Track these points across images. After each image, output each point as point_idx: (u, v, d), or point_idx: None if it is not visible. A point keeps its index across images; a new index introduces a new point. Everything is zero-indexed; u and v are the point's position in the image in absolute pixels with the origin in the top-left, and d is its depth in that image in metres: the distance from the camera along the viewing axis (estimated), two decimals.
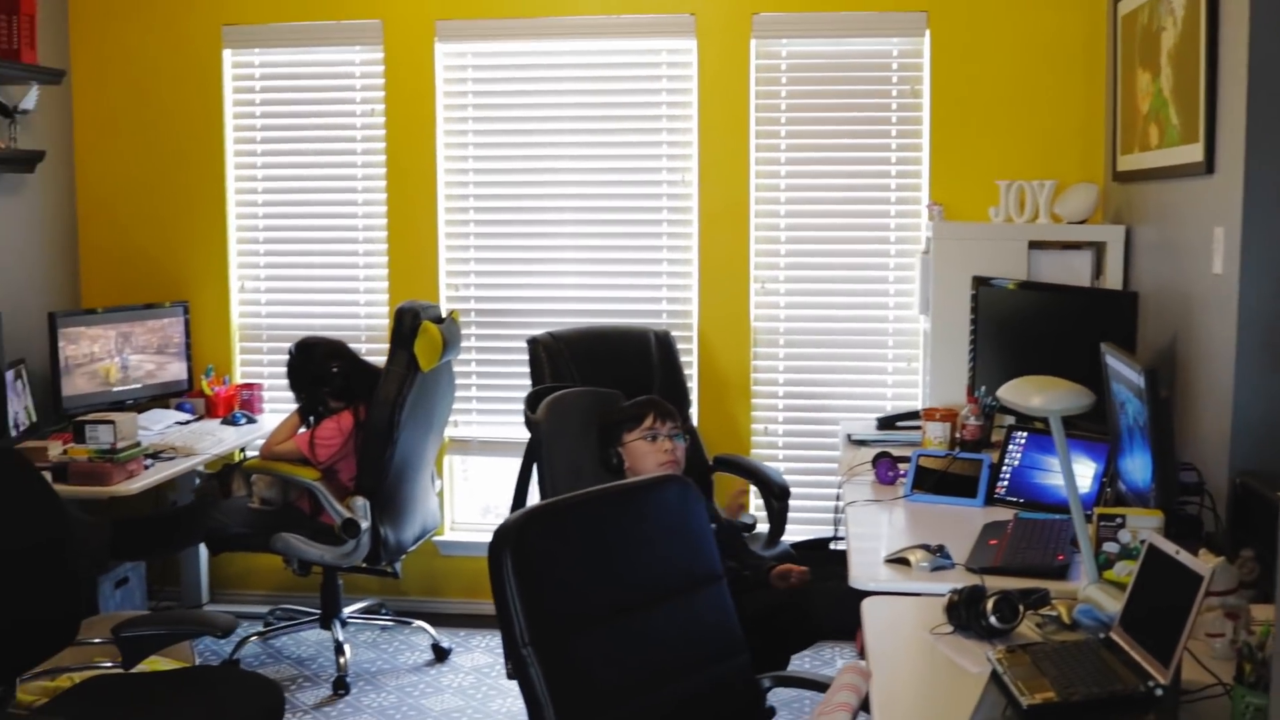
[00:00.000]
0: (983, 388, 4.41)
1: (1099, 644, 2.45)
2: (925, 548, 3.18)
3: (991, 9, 5.24)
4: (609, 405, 4.22)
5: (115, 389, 5.40)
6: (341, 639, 5.07)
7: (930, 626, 2.70)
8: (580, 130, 5.59)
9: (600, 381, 4.59)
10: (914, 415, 4.66)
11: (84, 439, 4.56)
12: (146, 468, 4.73)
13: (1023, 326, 4.47)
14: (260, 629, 5.39)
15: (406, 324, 4.84)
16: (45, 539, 3.33)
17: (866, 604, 2.89)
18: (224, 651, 5.20)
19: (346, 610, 5.33)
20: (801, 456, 5.55)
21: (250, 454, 5.40)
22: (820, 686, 2.78)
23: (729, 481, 5.16)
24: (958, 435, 4.32)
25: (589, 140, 5.58)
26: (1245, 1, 3.41)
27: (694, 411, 5.42)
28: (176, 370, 5.65)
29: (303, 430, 4.99)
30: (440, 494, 5.54)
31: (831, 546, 4.35)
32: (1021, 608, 2.64)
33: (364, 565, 4.97)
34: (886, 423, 4.76)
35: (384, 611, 5.58)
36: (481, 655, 5.27)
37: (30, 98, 5.27)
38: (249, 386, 5.70)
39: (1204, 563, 2.30)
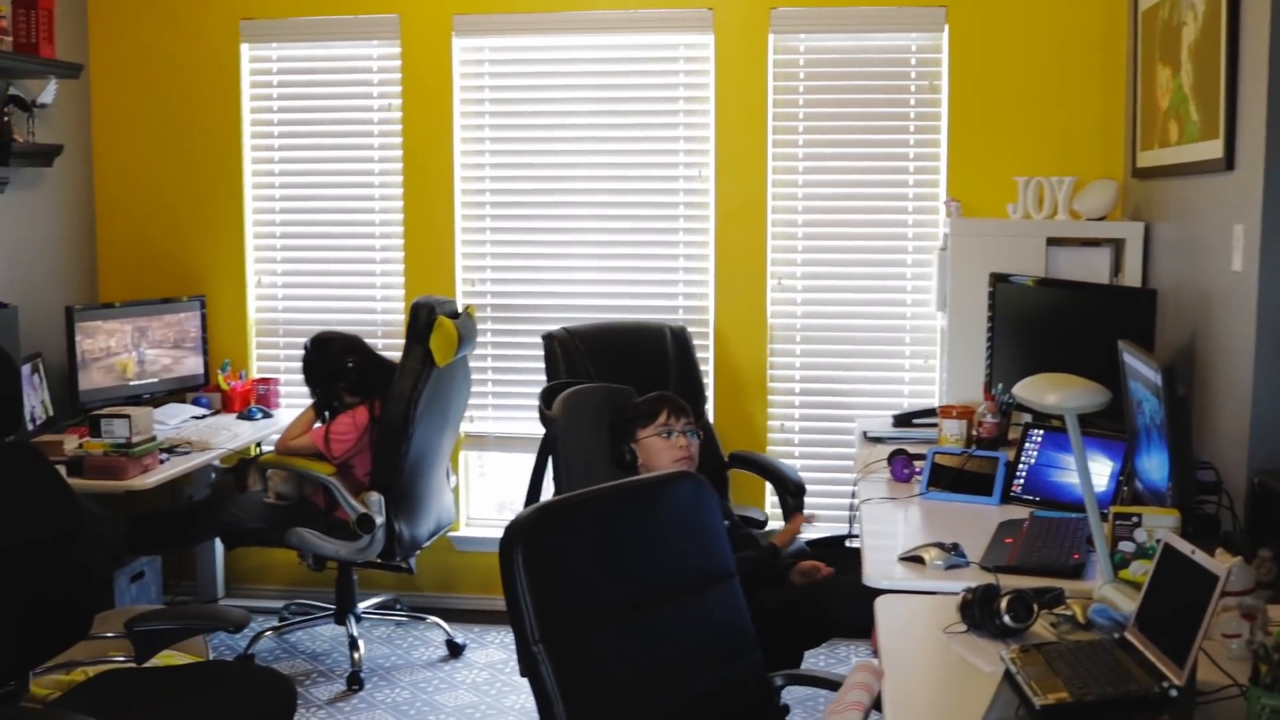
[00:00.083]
0: (1000, 385, 4.39)
1: (1114, 644, 2.43)
2: (940, 546, 3.16)
3: (1011, 4, 5.21)
4: (621, 401, 4.21)
5: (132, 383, 5.41)
6: (356, 634, 5.07)
7: (944, 625, 2.68)
8: (597, 125, 5.58)
9: (616, 377, 4.57)
10: (930, 412, 4.64)
11: (99, 433, 4.57)
12: (162, 462, 4.74)
13: (1041, 324, 4.44)
14: (275, 624, 5.39)
15: (422, 319, 4.84)
16: (59, 533, 3.33)
17: (880, 602, 2.87)
18: (239, 646, 5.20)
19: (361, 605, 5.33)
20: (818, 454, 5.53)
21: (266, 449, 5.40)
22: (833, 685, 2.76)
23: (745, 479, 5.15)
24: (974, 433, 4.29)
25: (606, 135, 5.57)
26: None
27: (710, 408, 5.40)
28: (193, 365, 5.66)
29: (318, 425, 4.99)
30: (455, 489, 5.54)
31: (847, 544, 4.33)
32: (1036, 607, 2.61)
33: (378, 560, 4.97)
34: (903, 420, 4.74)
35: (399, 607, 5.58)
36: (496, 651, 5.27)
37: (48, 92, 5.28)
38: (265, 381, 5.71)
39: (1220, 562, 2.27)
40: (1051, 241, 4.76)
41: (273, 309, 5.86)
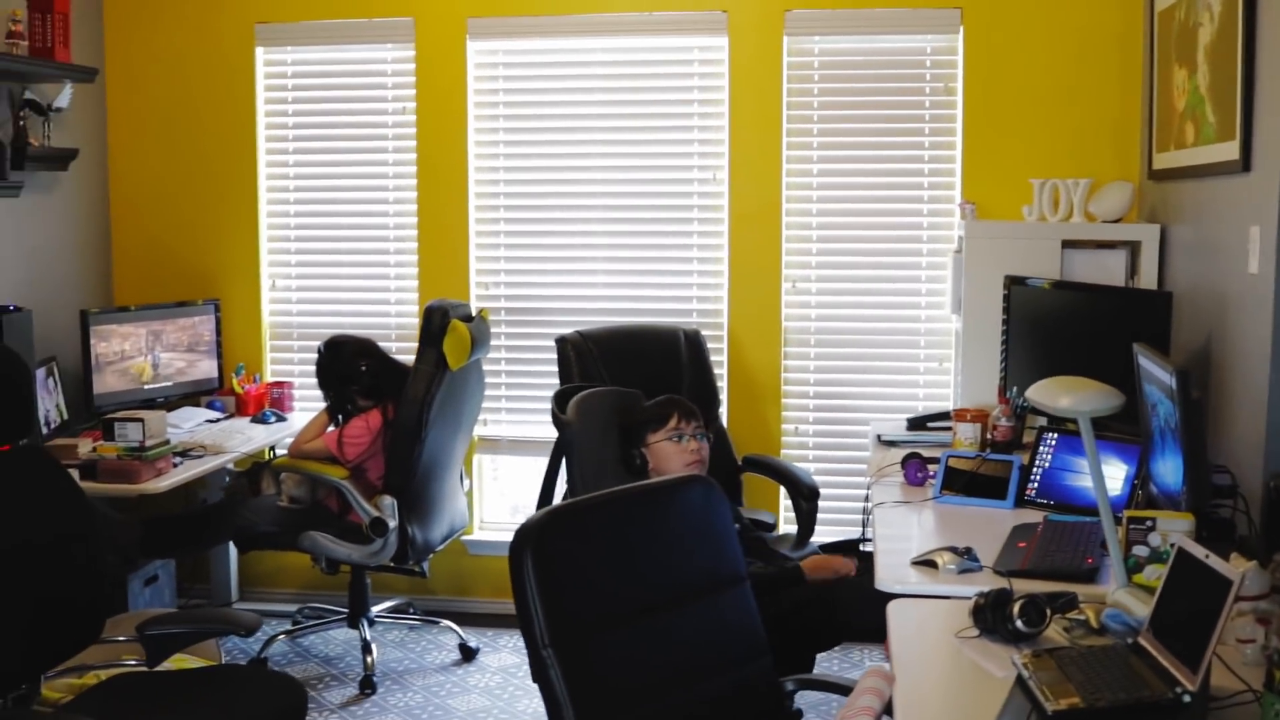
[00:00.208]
0: (1014, 388, 4.36)
1: (1127, 649, 2.41)
2: (953, 550, 3.14)
3: (1026, 5, 5.19)
4: (630, 405, 4.20)
5: (146, 387, 5.42)
6: (369, 638, 5.06)
7: (956, 630, 2.67)
8: (611, 128, 5.57)
9: (629, 381, 4.57)
10: (945, 416, 4.62)
11: (113, 437, 4.58)
12: (175, 466, 4.74)
13: (1056, 326, 4.42)
14: (288, 628, 5.39)
15: (435, 322, 4.83)
16: (70, 536, 3.33)
17: (892, 606, 2.86)
18: (252, 650, 5.20)
19: (374, 609, 5.33)
20: (832, 457, 5.51)
21: (280, 452, 5.41)
22: (845, 690, 2.74)
23: (758, 482, 5.14)
24: (989, 436, 4.27)
25: (620, 138, 5.56)
26: None
27: (724, 411, 5.39)
28: (207, 368, 5.67)
29: (331, 429, 4.99)
30: (469, 493, 5.53)
31: (861, 548, 4.31)
32: (1048, 611, 2.59)
33: (391, 564, 4.96)
34: (917, 423, 4.72)
35: (412, 611, 5.57)
36: (509, 655, 5.26)
37: (64, 96, 5.29)
38: (279, 385, 5.71)
39: (1235, 567, 2.25)
40: (1067, 244, 4.73)
41: (287, 312, 5.87)
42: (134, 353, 5.37)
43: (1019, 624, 2.57)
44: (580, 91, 5.58)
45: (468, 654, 5.27)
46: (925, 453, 4.12)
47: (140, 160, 5.85)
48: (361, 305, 5.80)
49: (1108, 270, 4.71)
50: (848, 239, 5.44)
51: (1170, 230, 4.58)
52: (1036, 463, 3.83)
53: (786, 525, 5.25)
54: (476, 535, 5.76)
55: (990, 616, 2.61)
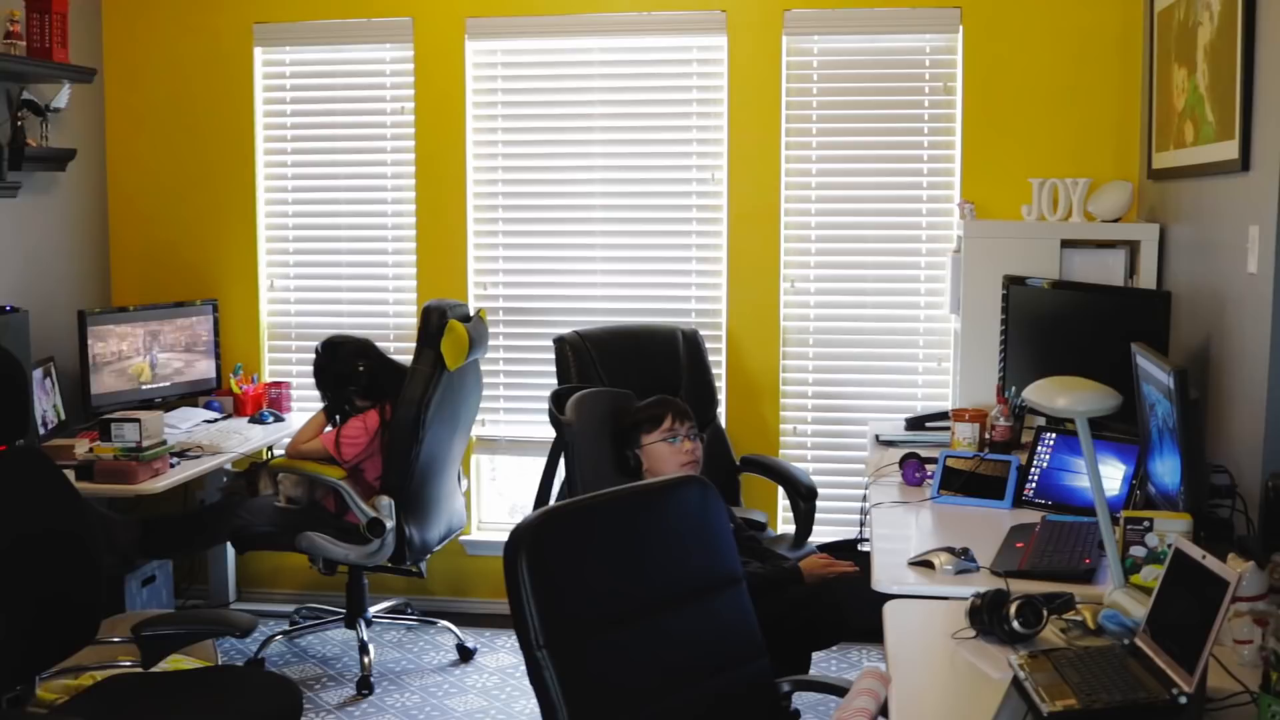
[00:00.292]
0: (1013, 388, 4.35)
1: (1124, 650, 2.40)
2: (950, 550, 3.13)
3: (1026, 5, 5.18)
4: (623, 406, 4.19)
5: (144, 387, 5.41)
6: (366, 638, 5.05)
7: (953, 630, 2.66)
8: (610, 128, 5.56)
9: (627, 381, 4.56)
10: (943, 416, 4.60)
11: (110, 437, 4.57)
12: (172, 466, 4.74)
13: (1054, 326, 4.41)
14: (286, 628, 5.39)
15: (433, 323, 4.82)
16: (64, 537, 3.32)
17: (889, 607, 2.85)
18: (249, 650, 5.20)
19: (372, 610, 5.31)
20: (830, 457, 5.50)
21: (277, 453, 5.40)
22: (841, 690, 2.73)
23: (757, 482, 5.13)
24: (987, 436, 4.26)
25: (618, 138, 5.55)
26: None
27: (722, 411, 5.38)
28: (205, 368, 5.66)
29: (329, 429, 4.98)
30: (467, 493, 5.52)
31: (860, 548, 4.30)
32: (1045, 612, 2.58)
33: (389, 565, 4.96)
34: (915, 423, 4.71)
35: (410, 611, 5.56)
36: (506, 655, 5.25)
37: (62, 96, 5.28)
38: (277, 385, 5.70)
39: (1232, 568, 2.24)
40: (1066, 244, 4.72)
41: (285, 312, 5.86)
42: (132, 353, 5.36)
43: (1015, 625, 2.56)
44: (579, 91, 5.57)
45: (465, 654, 5.26)
46: (923, 453, 4.11)
47: (138, 161, 5.85)
48: (359, 305, 5.80)
49: (1107, 270, 4.70)
50: (846, 239, 5.43)
51: (1169, 230, 4.57)
52: (1034, 463, 3.82)
53: (785, 525, 5.24)
54: (474, 535, 5.75)
55: (987, 617, 2.60)
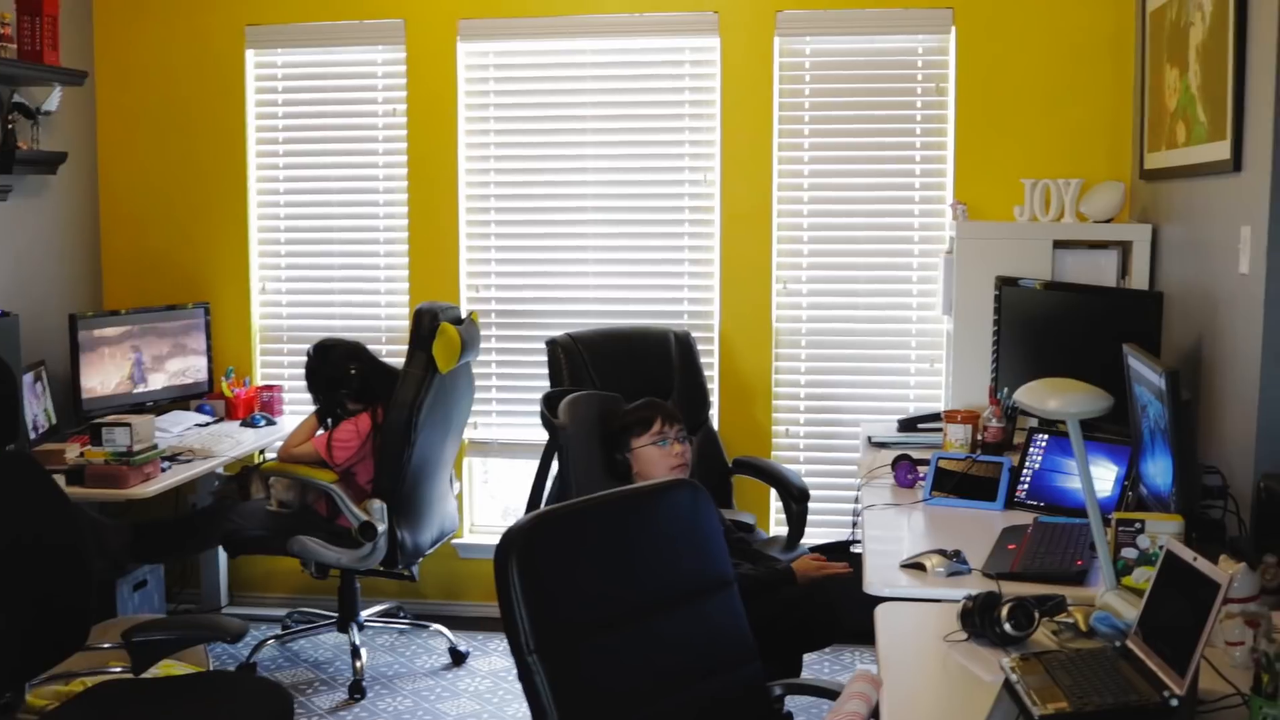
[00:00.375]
0: (1005, 389, 4.35)
1: (1115, 653, 2.39)
2: (941, 553, 3.12)
3: (1018, 6, 5.17)
4: (611, 409, 4.18)
5: (135, 391, 5.39)
6: (358, 642, 5.04)
7: (945, 633, 2.65)
8: (602, 129, 5.55)
9: (620, 383, 4.55)
10: (935, 417, 4.60)
11: (100, 442, 4.55)
12: (164, 470, 4.72)
13: (1046, 327, 4.41)
14: (278, 632, 5.37)
15: (425, 325, 4.81)
16: (54, 543, 3.31)
17: (880, 610, 2.84)
18: (241, 655, 5.17)
19: (364, 613, 5.30)
20: (823, 458, 5.49)
21: (269, 456, 5.38)
22: (833, 694, 2.72)
23: (749, 484, 5.12)
24: (979, 437, 4.26)
25: (611, 140, 5.55)
26: None
27: (715, 413, 5.38)
28: (197, 372, 5.64)
29: (321, 432, 4.97)
30: (459, 496, 5.51)
31: (852, 550, 4.29)
32: (1037, 615, 2.58)
33: (381, 568, 4.94)
34: (907, 425, 4.70)
35: (402, 615, 5.55)
36: (499, 659, 5.24)
37: (53, 99, 5.26)
38: (269, 388, 5.69)
39: (1223, 570, 2.23)
40: (1058, 244, 4.72)
41: (277, 315, 5.85)
42: (123, 356, 5.34)
43: (1007, 627, 2.55)
44: (571, 93, 5.56)
45: (458, 658, 5.24)
46: (915, 454, 4.11)
47: (130, 164, 5.83)
48: (351, 308, 5.78)
49: (1099, 270, 4.70)
50: (839, 240, 5.42)
51: (1162, 230, 4.56)
52: (1027, 464, 3.82)
53: (777, 527, 5.24)
54: (467, 539, 5.74)
55: (979, 620, 2.59)
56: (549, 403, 4.25)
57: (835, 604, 3.84)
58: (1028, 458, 3.83)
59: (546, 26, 5.50)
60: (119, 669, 3.78)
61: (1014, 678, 2.32)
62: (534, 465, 4.50)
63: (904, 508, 3.80)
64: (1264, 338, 3.38)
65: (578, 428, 4.08)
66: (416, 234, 5.65)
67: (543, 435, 4.34)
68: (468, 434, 5.54)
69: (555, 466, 4.22)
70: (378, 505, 4.77)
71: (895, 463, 4.05)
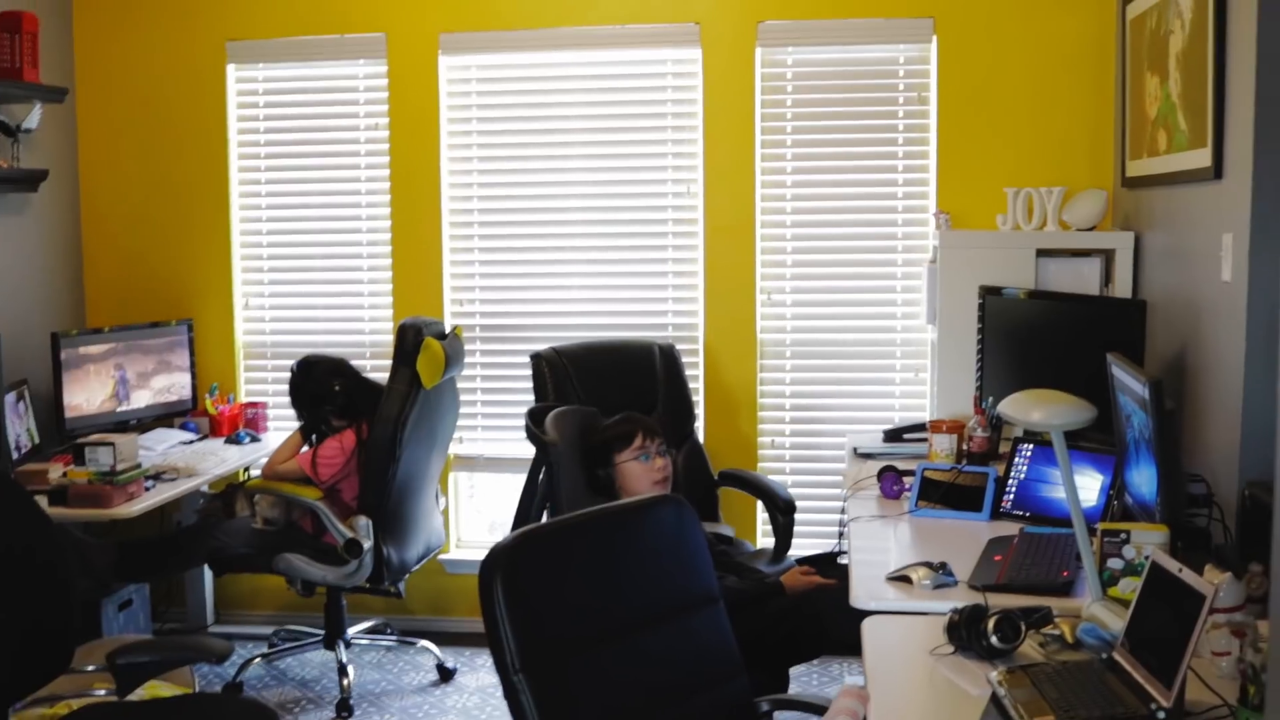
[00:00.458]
0: (990, 399, 4.35)
1: (1102, 665, 2.39)
2: (928, 565, 3.12)
3: (999, 14, 5.18)
4: (591, 424, 4.18)
5: (119, 409, 5.37)
6: (345, 660, 5.02)
7: (931, 647, 2.64)
8: (584, 142, 5.55)
9: (604, 397, 4.54)
10: (921, 428, 4.60)
11: (84, 461, 4.52)
12: (148, 489, 4.68)
13: (1031, 336, 4.41)
14: (264, 651, 5.34)
15: (409, 341, 4.80)
16: (36, 565, 3.28)
17: (866, 624, 2.84)
18: (227, 674, 5.14)
19: (351, 631, 5.28)
20: (809, 469, 5.48)
21: (254, 474, 5.36)
22: (820, 709, 2.72)
23: (735, 496, 5.11)
24: (964, 447, 4.25)
25: (593, 152, 5.54)
26: (1253, 4, 3.35)
27: (700, 425, 5.36)
28: (181, 389, 5.62)
29: (305, 449, 4.95)
30: (445, 512, 5.49)
31: (839, 561, 4.29)
32: (1023, 627, 2.57)
33: (367, 585, 4.92)
34: (893, 435, 4.70)
35: (389, 631, 5.53)
36: (487, 675, 5.22)
37: (33, 116, 5.25)
38: (253, 405, 5.66)
39: (1208, 580, 2.24)
40: (1041, 253, 4.73)
41: (260, 331, 5.83)
42: (106, 375, 5.32)
43: (994, 640, 2.55)
44: (553, 105, 5.55)
45: (445, 674, 5.22)
46: (901, 465, 4.10)
47: (111, 181, 5.81)
48: (335, 324, 5.77)
49: (1082, 278, 4.70)
50: (823, 250, 5.42)
51: (1144, 238, 4.57)
52: (1012, 474, 3.82)
53: (764, 539, 5.23)
54: (453, 554, 5.72)
55: (965, 633, 2.59)
56: (534, 418, 4.24)
57: (823, 616, 3.84)
58: (1013, 468, 3.83)
59: (528, 39, 5.49)
60: (103, 691, 3.75)
61: (1001, 692, 2.33)
62: (520, 480, 4.49)
63: (890, 519, 3.80)
64: (1247, 345, 3.39)
65: (566, 444, 4.08)
66: (400, 249, 5.64)
67: (528, 450, 4.32)
68: (453, 449, 5.53)
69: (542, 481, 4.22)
70: (363, 522, 4.76)
71: (881, 474, 4.05)
